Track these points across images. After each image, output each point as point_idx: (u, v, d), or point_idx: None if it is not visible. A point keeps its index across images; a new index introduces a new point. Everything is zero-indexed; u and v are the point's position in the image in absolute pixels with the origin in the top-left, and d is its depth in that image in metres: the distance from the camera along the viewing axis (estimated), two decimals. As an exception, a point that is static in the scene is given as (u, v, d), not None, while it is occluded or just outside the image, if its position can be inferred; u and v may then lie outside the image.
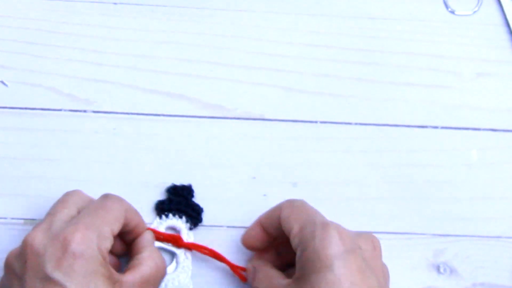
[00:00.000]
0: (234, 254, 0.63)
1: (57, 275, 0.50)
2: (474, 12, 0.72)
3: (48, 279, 0.50)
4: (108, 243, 0.53)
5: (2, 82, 0.68)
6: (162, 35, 0.70)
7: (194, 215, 0.61)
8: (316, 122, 0.68)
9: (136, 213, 0.59)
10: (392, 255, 0.65)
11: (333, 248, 0.51)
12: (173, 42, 0.70)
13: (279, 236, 0.59)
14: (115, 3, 0.71)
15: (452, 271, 0.65)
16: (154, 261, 0.57)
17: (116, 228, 0.55)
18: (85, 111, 0.67)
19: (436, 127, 0.69)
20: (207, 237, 0.63)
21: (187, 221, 0.61)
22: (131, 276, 0.54)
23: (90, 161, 0.65)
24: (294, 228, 0.54)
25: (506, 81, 0.70)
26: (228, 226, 0.64)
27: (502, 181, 0.67)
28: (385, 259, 0.60)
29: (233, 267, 0.61)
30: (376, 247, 0.56)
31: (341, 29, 0.71)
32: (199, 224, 0.62)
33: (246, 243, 0.61)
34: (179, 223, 0.61)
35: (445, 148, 0.68)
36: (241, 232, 0.63)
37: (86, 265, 0.50)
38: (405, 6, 0.72)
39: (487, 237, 0.66)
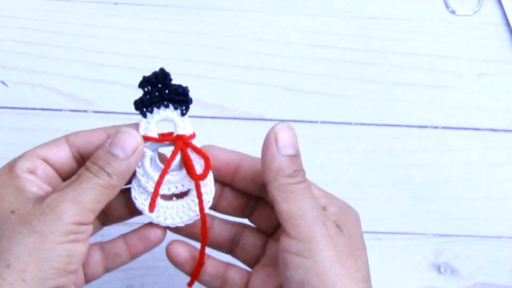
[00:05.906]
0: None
1: None
2: (475, 12, 0.72)
3: None
4: (25, 163, 0.50)
5: (3, 82, 0.68)
6: (162, 35, 0.70)
7: (180, 98, 0.52)
8: (316, 122, 0.68)
9: (96, 132, 0.52)
10: (392, 255, 0.65)
11: (326, 248, 0.47)
12: (173, 42, 0.70)
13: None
14: (115, 3, 0.71)
15: (453, 271, 0.65)
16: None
17: (46, 150, 0.52)
18: (85, 111, 0.67)
19: (436, 127, 0.69)
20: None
21: (175, 108, 0.52)
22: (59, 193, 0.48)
23: (90, 161, 0.65)
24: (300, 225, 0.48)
25: (506, 81, 0.70)
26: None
27: (502, 181, 0.67)
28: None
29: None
30: (358, 219, 0.53)
31: (341, 29, 0.71)
32: (190, 104, 0.53)
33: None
34: (167, 113, 0.52)
35: (445, 148, 0.68)
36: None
37: None
38: (405, 6, 0.72)
39: (488, 237, 0.66)
